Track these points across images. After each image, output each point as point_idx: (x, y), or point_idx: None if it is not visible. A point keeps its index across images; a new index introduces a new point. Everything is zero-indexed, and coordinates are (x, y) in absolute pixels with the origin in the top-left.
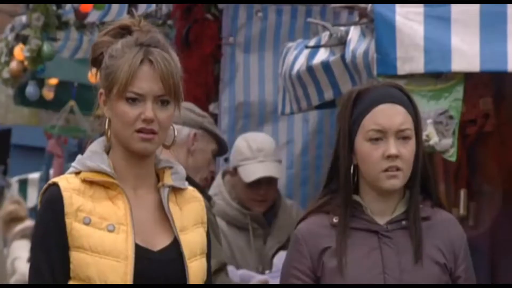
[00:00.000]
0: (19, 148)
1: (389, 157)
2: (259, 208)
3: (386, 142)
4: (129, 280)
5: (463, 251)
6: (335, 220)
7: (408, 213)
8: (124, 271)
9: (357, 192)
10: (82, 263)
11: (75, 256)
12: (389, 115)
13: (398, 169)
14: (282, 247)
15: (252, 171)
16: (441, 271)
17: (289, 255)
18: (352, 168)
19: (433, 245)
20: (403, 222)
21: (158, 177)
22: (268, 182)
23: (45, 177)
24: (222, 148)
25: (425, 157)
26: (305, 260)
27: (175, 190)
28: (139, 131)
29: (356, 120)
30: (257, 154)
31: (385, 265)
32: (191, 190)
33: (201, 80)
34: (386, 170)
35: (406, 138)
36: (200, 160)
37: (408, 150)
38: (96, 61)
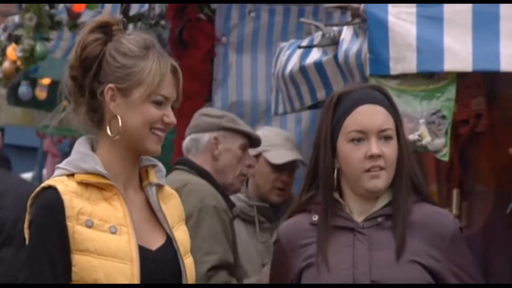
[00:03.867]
0: (12, 148)
1: (372, 157)
2: (278, 198)
3: (368, 142)
4: (136, 281)
5: (448, 243)
6: (314, 218)
7: (391, 209)
8: (131, 273)
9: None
10: (87, 266)
11: (79, 260)
12: (369, 115)
13: (381, 168)
14: None
15: (281, 155)
16: (419, 269)
17: (273, 256)
18: (335, 171)
19: (412, 241)
20: (379, 219)
21: (140, 176)
22: (291, 171)
23: (38, 177)
24: (251, 140)
25: (410, 155)
26: (285, 261)
27: (158, 188)
28: (154, 131)
29: (338, 122)
30: (285, 142)
31: (355, 261)
32: (167, 187)
33: (198, 79)
34: (369, 170)
35: (388, 138)
36: (228, 160)
37: (390, 150)
38: (95, 59)
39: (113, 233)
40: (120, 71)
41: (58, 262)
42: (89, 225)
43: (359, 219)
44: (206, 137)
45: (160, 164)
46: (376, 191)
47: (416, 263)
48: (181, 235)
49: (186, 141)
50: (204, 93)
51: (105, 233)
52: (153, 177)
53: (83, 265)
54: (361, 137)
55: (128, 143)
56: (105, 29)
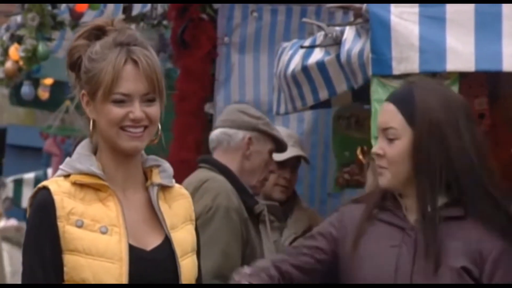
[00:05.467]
0: (14, 148)
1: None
2: (281, 195)
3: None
4: (124, 281)
5: (494, 256)
6: (374, 212)
7: (422, 215)
8: (119, 273)
9: None
10: (76, 265)
11: (69, 259)
12: (379, 114)
13: (382, 167)
14: (299, 236)
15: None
16: (458, 276)
17: (334, 215)
18: None
19: (455, 247)
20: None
21: (146, 176)
22: (293, 167)
23: (43, 177)
24: (279, 146)
25: (462, 151)
26: (332, 228)
27: (163, 188)
28: (125, 128)
29: None
30: (288, 139)
31: (398, 266)
32: (177, 188)
33: (200, 80)
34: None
35: (390, 137)
36: (256, 163)
37: (392, 149)
38: (75, 65)
39: (104, 233)
40: (85, 75)
41: (49, 261)
42: (79, 225)
43: (412, 216)
44: (240, 134)
45: (166, 164)
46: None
47: (454, 270)
48: (184, 236)
49: (217, 133)
50: (201, 94)
51: (94, 233)
52: (156, 177)
53: (72, 264)
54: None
55: (109, 145)
56: (96, 33)
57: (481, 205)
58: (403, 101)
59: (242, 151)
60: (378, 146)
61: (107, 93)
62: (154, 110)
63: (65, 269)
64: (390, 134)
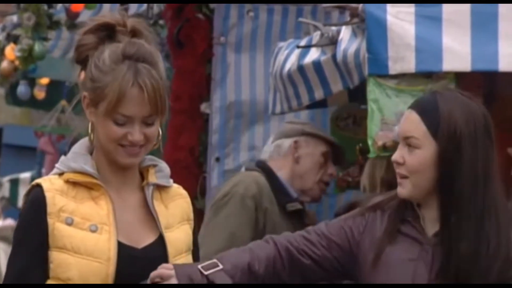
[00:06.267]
0: (11, 148)
1: (394, 163)
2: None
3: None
4: (110, 282)
5: None
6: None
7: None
8: (106, 273)
9: None
10: (63, 263)
11: (56, 256)
12: (402, 121)
13: (403, 176)
14: None
15: None
16: None
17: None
18: None
19: None
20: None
21: (142, 176)
22: None
23: (37, 176)
24: (335, 149)
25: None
26: (358, 220)
27: (160, 188)
28: (123, 145)
29: None
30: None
31: (413, 281)
32: (175, 187)
33: (194, 79)
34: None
35: (411, 146)
36: (307, 165)
37: (413, 158)
38: (82, 63)
39: (93, 231)
40: (90, 83)
41: (35, 257)
42: (69, 223)
43: (431, 230)
44: (287, 142)
45: (162, 164)
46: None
47: None
48: (179, 235)
49: (271, 148)
50: (195, 94)
51: (84, 231)
52: (152, 177)
53: (59, 262)
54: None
55: (106, 152)
56: (105, 32)
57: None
58: (427, 111)
59: (292, 155)
60: (398, 153)
61: (110, 111)
62: (153, 130)
63: (51, 265)
64: (412, 143)
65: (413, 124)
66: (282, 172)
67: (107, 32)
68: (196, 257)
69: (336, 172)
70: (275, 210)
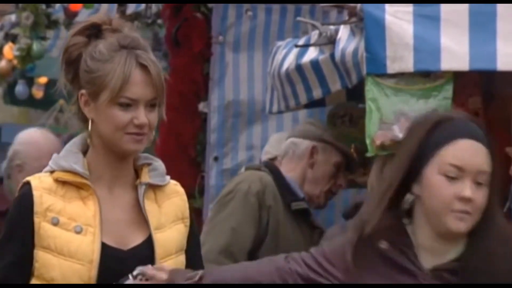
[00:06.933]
0: (9, 147)
1: (462, 199)
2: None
3: (463, 183)
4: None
5: None
6: (382, 245)
7: (460, 262)
8: (88, 275)
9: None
10: (47, 263)
11: (41, 256)
12: (472, 153)
13: (468, 213)
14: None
15: None
16: None
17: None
18: (412, 197)
19: None
20: (445, 275)
21: (137, 174)
22: None
23: None
24: (348, 161)
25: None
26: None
27: (155, 187)
28: (129, 133)
29: (432, 148)
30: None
31: None
32: (172, 185)
33: (191, 78)
34: (455, 211)
35: (481, 183)
36: (320, 173)
37: (481, 196)
38: (73, 63)
39: (78, 232)
40: (88, 75)
41: (19, 255)
42: (55, 223)
43: (427, 262)
44: (305, 143)
45: (157, 163)
46: (458, 234)
47: None
48: (171, 235)
49: (287, 143)
50: (190, 92)
51: (69, 232)
52: (145, 176)
53: (44, 262)
54: (457, 174)
55: (107, 145)
56: (93, 31)
57: None
58: (488, 144)
59: (307, 159)
60: (470, 190)
61: (114, 96)
62: (155, 116)
63: (36, 264)
64: (481, 179)
65: (486, 158)
66: (293, 173)
67: (95, 31)
68: (197, 255)
69: (345, 184)
70: (279, 208)
